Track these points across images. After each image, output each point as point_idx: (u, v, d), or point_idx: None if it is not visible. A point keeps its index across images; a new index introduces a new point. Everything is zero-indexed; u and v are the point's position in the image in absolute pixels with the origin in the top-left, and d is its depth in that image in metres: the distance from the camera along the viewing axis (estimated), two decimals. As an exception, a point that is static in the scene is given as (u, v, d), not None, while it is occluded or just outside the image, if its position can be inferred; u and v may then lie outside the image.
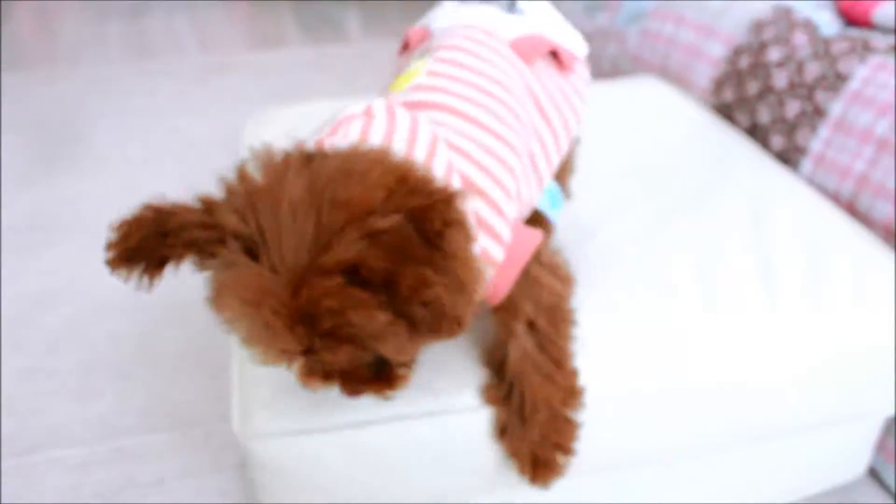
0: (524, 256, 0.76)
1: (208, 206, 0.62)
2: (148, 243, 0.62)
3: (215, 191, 0.64)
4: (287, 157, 0.63)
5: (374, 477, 0.90)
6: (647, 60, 1.87)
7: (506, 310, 0.80)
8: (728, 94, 1.57)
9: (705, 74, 1.65)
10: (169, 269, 0.65)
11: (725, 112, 1.58)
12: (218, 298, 0.61)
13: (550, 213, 0.95)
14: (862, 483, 1.30)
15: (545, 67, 0.92)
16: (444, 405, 0.87)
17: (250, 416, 0.86)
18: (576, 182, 1.24)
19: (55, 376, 1.58)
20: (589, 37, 1.12)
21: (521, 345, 0.81)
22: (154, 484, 1.34)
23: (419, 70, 0.83)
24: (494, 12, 0.94)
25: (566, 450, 0.85)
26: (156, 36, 3.56)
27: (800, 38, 1.43)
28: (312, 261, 0.57)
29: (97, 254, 1.99)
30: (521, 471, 0.86)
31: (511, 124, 0.80)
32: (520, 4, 0.97)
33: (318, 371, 0.68)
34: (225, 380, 1.21)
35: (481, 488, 0.96)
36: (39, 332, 1.71)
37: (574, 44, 0.99)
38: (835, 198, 1.30)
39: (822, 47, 1.38)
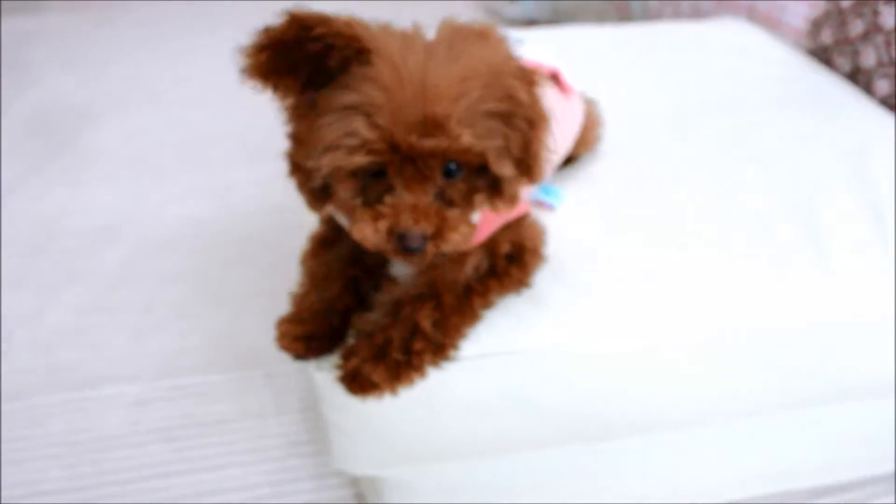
0: (513, 215, 0.83)
1: (348, 22, 0.65)
2: (288, 46, 0.64)
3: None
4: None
5: (447, 418, 0.85)
6: (731, 1, 1.75)
7: (487, 244, 0.83)
8: (827, 36, 1.45)
9: (801, 14, 1.53)
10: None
11: (822, 56, 1.47)
12: (353, 83, 0.63)
13: (555, 205, 1.01)
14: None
15: (549, 86, 0.96)
16: (516, 346, 0.82)
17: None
18: (659, 121, 1.20)
19: (115, 312, 1.56)
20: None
21: (475, 260, 0.81)
22: (214, 424, 1.31)
23: None
24: None
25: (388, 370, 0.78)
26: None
27: (914, -27, 1.31)
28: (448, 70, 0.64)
29: (156, 190, 1.98)
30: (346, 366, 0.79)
31: None
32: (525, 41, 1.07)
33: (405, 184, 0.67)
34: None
35: (555, 438, 0.92)
36: (100, 267, 1.69)
37: (568, 78, 1.03)
38: (949, 147, 1.19)
39: (942, -19, 1.26)
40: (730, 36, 1.52)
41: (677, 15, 1.97)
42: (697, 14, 1.88)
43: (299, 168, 0.69)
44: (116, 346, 1.48)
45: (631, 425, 0.94)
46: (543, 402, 0.85)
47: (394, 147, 0.63)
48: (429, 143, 0.63)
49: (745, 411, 0.97)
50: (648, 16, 2.14)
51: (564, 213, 1.00)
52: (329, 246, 0.86)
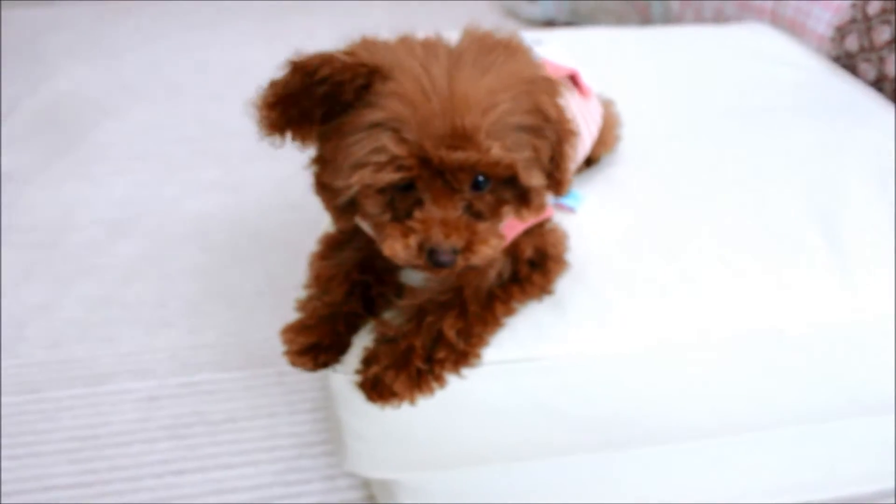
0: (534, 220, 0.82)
1: (351, 51, 0.65)
2: (296, 96, 0.64)
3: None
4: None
5: (467, 423, 0.84)
6: (755, 6, 1.73)
7: (510, 249, 0.82)
8: (852, 43, 1.43)
9: (825, 20, 1.51)
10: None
11: (846, 63, 1.45)
12: (377, 100, 0.63)
13: (575, 207, 1.00)
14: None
15: (568, 88, 0.96)
16: (537, 352, 0.81)
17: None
18: (681, 124, 1.19)
19: (127, 307, 1.55)
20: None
21: (498, 266, 0.80)
22: (224, 422, 1.30)
23: None
24: None
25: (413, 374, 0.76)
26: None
27: (943, -20, 1.29)
28: (474, 83, 0.63)
29: (171, 184, 1.98)
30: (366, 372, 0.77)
31: None
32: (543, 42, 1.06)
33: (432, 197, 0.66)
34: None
35: (574, 445, 0.90)
36: (113, 261, 1.69)
37: (587, 79, 1.02)
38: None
39: (972, -11, 1.24)
40: (753, 41, 1.50)
41: (699, 18, 1.96)
42: (720, 18, 1.86)
43: (325, 186, 0.68)
44: (128, 341, 1.47)
45: (650, 434, 0.92)
46: (564, 409, 0.84)
47: (423, 161, 0.63)
48: (458, 157, 0.62)
49: (766, 421, 0.95)
50: (669, 18, 2.13)
51: (585, 216, 0.98)
52: (339, 248, 0.85)
